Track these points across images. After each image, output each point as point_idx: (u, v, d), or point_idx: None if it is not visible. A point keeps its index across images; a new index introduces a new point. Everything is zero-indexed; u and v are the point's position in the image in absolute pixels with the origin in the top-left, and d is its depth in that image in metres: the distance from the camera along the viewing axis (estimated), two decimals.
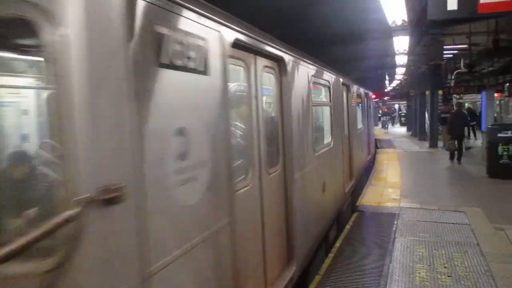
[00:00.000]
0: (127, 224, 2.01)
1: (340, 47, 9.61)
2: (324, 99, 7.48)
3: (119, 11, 1.99)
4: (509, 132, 11.55)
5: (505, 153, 11.39)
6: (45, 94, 2.39)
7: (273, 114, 4.61)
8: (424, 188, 10.61)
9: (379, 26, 9.27)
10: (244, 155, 3.74)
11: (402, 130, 35.70)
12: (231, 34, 3.21)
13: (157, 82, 2.26)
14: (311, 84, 5.82)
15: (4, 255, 1.51)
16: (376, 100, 35.92)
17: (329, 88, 7.35)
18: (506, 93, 23.35)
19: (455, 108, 16.82)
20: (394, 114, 47.60)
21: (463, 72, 21.12)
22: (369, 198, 9.61)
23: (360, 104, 12.99)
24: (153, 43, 2.23)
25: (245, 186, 3.61)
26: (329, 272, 5.46)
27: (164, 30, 2.32)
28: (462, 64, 20.55)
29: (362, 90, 13.37)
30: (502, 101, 26.84)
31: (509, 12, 4.61)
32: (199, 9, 2.73)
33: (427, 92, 22.52)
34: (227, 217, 3.04)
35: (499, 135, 11.54)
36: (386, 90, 36.94)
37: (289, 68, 4.71)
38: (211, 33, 2.88)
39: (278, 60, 4.51)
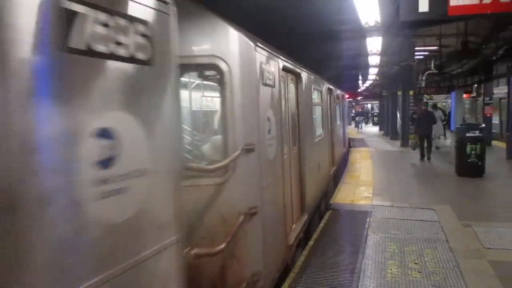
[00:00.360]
0: None
1: (317, 49, 9.74)
2: (317, 100, 9.42)
3: (254, 64, 4.14)
4: (477, 131, 11.88)
5: (473, 152, 11.70)
6: (223, 104, 3.80)
7: (294, 111, 6.51)
8: (396, 187, 10.83)
9: (353, 26, 9.42)
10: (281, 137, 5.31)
11: (375, 129, 36.36)
12: (282, 62, 5.37)
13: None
14: (312, 89, 8.14)
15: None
16: (349, 100, 36.46)
17: (320, 91, 9.72)
18: (474, 94, 24.06)
19: (423, 109, 17.38)
20: (369, 114, 48.01)
21: (434, 73, 21.64)
22: (342, 196, 9.74)
23: (337, 104, 14.34)
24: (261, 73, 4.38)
25: (285, 155, 5.51)
26: (303, 270, 5.51)
27: (264, 66, 4.48)
28: (432, 65, 21.08)
29: (338, 92, 14.29)
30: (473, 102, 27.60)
31: (478, 15, 4.76)
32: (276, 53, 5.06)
33: (399, 92, 22.98)
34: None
35: (467, 134, 11.84)
36: (359, 90, 37.54)
37: (303, 79, 6.87)
38: (277, 64, 5.09)
39: (297, 74, 6.63)
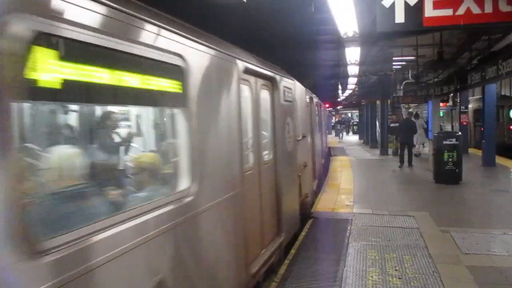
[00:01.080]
0: None
1: (296, 57, 9.85)
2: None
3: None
4: (454, 139, 12.13)
5: (450, 159, 11.94)
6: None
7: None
8: (376, 194, 10.95)
9: (332, 37, 9.58)
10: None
11: (355, 138, 36.75)
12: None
13: None
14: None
15: None
16: (329, 109, 36.81)
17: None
18: (450, 103, 24.59)
19: (404, 117, 17.89)
20: (350, 123, 46.88)
21: (411, 82, 22.10)
22: (323, 204, 9.79)
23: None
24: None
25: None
26: (284, 279, 5.51)
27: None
28: (410, 74, 21.51)
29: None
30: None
31: (452, 26, 4.91)
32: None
33: (378, 101, 23.35)
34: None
35: (444, 142, 12.09)
36: (339, 99, 37.92)
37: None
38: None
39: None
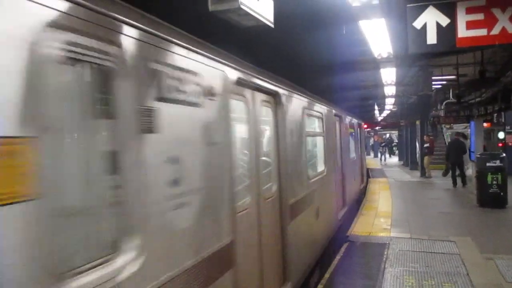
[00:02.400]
0: None
1: (331, 79, 9.86)
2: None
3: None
4: (498, 161, 11.67)
5: (494, 182, 11.46)
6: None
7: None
8: (415, 218, 10.62)
9: (366, 58, 9.54)
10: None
11: (394, 159, 35.87)
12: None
13: None
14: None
15: None
16: (367, 129, 36.24)
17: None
18: (495, 123, 23.71)
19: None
20: (393, 144, 41.20)
21: (452, 102, 21.50)
22: (359, 228, 9.59)
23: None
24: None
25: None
26: None
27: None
28: (451, 94, 20.98)
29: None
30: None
31: (485, 46, 4.80)
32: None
33: (417, 122, 22.83)
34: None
35: (488, 164, 11.65)
36: (377, 120, 37.30)
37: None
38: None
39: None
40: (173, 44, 2.76)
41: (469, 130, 23.52)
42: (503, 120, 19.70)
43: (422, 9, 4.65)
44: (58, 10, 1.87)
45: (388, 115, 32.91)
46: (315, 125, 7.85)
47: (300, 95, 6.21)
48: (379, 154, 37.06)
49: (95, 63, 2.11)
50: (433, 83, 20.01)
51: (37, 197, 1.71)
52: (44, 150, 1.76)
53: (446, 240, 8.21)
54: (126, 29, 2.32)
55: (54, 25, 1.84)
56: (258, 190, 4.39)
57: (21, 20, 1.71)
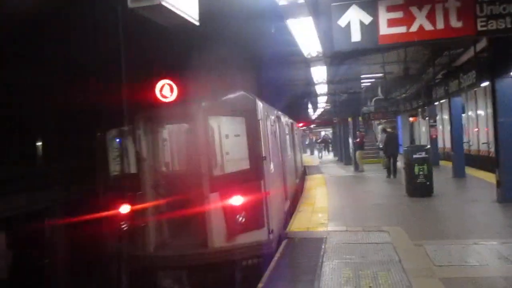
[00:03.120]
0: None
1: (262, 78, 9.97)
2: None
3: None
4: (423, 153, 12.34)
5: (421, 173, 12.11)
6: None
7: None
8: (350, 211, 11.00)
9: (297, 57, 9.74)
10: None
11: (330, 156, 37.04)
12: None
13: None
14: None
15: None
16: (303, 127, 37.14)
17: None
18: (419, 117, 25.18)
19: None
20: (329, 141, 42.45)
21: (381, 98, 22.62)
22: (297, 224, 9.75)
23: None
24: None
25: None
26: None
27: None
28: (379, 91, 22.05)
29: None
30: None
31: (405, 43, 5.08)
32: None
33: (349, 119, 23.71)
34: None
35: (414, 156, 12.29)
36: (311, 118, 38.34)
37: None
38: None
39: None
40: (283, 116, 11.03)
41: (394, 125, 24.94)
42: (426, 115, 20.97)
43: (346, 7, 4.82)
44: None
45: (322, 113, 33.94)
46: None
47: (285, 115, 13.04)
48: (315, 152, 39.03)
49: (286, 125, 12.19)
50: (362, 81, 20.93)
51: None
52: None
53: (379, 231, 8.55)
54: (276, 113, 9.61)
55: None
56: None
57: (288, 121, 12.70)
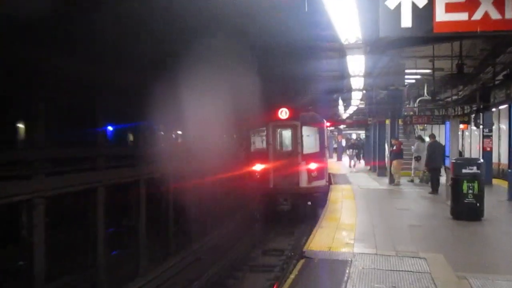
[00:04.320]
0: None
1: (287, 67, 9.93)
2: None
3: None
4: (475, 167, 12.11)
5: (470, 191, 11.90)
6: None
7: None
8: (381, 231, 10.91)
9: (332, 44, 9.69)
10: None
11: (361, 164, 36.67)
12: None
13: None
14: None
15: None
16: (330, 127, 36.85)
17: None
18: (471, 125, 24.80)
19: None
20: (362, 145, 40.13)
21: (427, 99, 22.25)
22: (318, 242, 9.72)
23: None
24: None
25: None
26: None
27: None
28: (425, 90, 21.73)
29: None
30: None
31: (465, 33, 4.98)
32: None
33: (387, 121, 23.48)
34: None
35: (464, 171, 12.09)
36: (341, 117, 37.90)
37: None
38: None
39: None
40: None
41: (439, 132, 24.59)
42: (481, 122, 20.65)
43: None
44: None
45: (354, 112, 33.53)
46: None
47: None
48: (347, 158, 36.94)
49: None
50: (406, 76, 20.66)
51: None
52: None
53: (415, 257, 8.47)
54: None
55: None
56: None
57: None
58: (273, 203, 17.52)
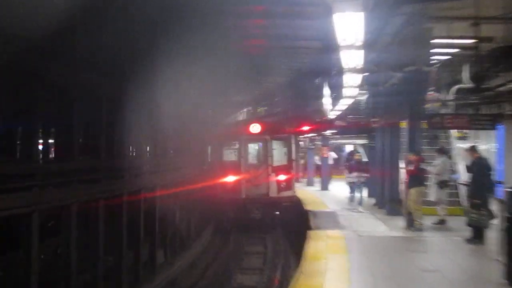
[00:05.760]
0: None
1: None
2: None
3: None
4: None
5: None
6: None
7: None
8: None
9: None
10: None
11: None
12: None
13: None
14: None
15: None
16: (310, 134, 37.59)
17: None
18: None
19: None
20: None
21: (468, 88, 22.09)
22: None
23: None
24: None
25: None
26: None
27: None
28: (464, 75, 21.51)
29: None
30: None
31: None
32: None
33: (403, 124, 23.40)
34: None
35: None
36: (329, 117, 37.20)
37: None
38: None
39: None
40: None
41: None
42: None
43: None
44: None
45: (348, 109, 32.47)
46: None
47: None
48: (348, 188, 34.30)
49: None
50: (434, 50, 20.63)
51: None
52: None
53: None
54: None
55: None
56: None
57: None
58: (245, 212, 33.44)
